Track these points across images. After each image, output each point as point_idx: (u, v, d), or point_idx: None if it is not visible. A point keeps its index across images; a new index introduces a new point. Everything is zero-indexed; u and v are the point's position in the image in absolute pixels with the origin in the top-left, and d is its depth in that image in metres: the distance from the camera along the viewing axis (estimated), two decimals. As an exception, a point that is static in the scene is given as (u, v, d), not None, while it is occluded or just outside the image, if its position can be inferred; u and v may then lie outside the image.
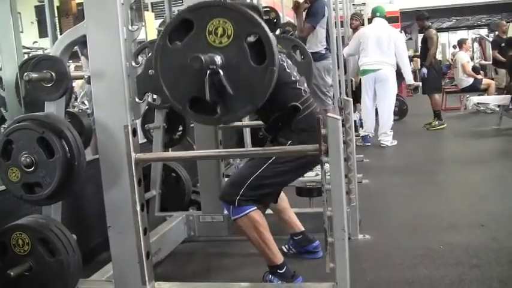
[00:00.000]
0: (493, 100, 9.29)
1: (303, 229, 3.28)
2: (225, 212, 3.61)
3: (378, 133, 7.75)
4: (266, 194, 2.82)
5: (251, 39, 1.94)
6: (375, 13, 7.78)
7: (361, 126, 8.16)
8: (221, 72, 1.92)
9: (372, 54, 7.42)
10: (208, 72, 1.90)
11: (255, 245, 2.81)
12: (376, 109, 7.85)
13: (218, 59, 1.92)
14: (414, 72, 14.36)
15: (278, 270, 2.80)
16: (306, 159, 2.71)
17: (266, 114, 2.81)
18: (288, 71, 2.82)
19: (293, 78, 2.82)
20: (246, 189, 2.71)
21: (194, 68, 1.90)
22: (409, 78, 8.05)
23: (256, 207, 2.76)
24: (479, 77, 10.90)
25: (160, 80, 2.06)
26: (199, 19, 1.95)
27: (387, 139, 7.62)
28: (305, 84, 2.92)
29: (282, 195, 3.22)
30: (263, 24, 1.94)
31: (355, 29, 8.31)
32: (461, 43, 11.65)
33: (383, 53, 7.43)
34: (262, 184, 2.74)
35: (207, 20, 1.94)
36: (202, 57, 1.88)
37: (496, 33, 10.71)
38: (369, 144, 7.67)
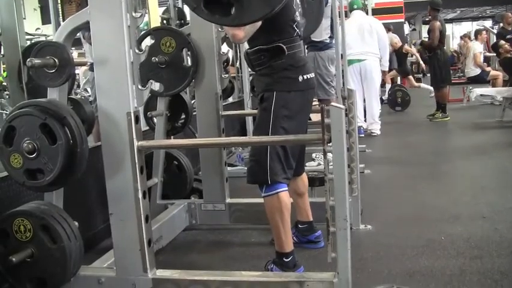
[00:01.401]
0: (496, 92, 9.26)
1: (311, 219, 3.28)
2: (227, 200, 3.63)
3: (367, 122, 7.82)
4: (289, 159, 2.79)
5: None
6: (352, 6, 7.78)
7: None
8: None
9: (356, 45, 7.40)
10: None
11: (274, 226, 2.79)
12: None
13: None
14: (418, 64, 14.38)
15: (284, 258, 2.80)
16: (298, 99, 2.74)
17: (255, 40, 2.77)
18: (294, 8, 2.80)
19: (294, 17, 2.80)
20: (270, 161, 2.71)
21: None
22: (384, 65, 8.12)
23: (286, 188, 2.77)
24: (488, 69, 10.89)
25: None
26: None
27: (376, 127, 7.74)
28: (302, 29, 2.90)
29: (305, 179, 3.22)
30: None
31: None
32: (477, 33, 11.77)
33: (366, 44, 7.52)
34: (280, 149, 2.74)
35: None
36: None
37: (501, 25, 10.65)
38: (362, 135, 7.50)
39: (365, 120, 7.89)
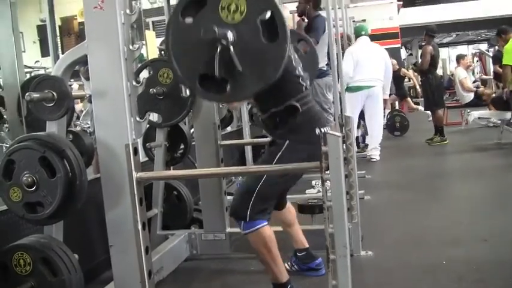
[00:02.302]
0: (494, 115, 9.28)
1: (307, 246, 3.27)
2: (228, 229, 3.62)
3: (368, 148, 7.90)
4: (274, 201, 2.82)
5: (263, 16, 1.94)
6: (360, 31, 7.86)
7: (363, 142, 8.33)
8: (232, 48, 1.92)
9: (366, 71, 7.48)
10: (219, 48, 1.91)
11: (263, 261, 2.79)
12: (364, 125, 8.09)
13: (230, 35, 1.92)
14: (415, 88, 14.44)
15: (283, 289, 2.80)
16: (306, 150, 2.68)
17: (267, 104, 2.78)
18: (294, 64, 2.80)
19: (297, 73, 2.80)
20: (255, 200, 2.69)
21: (207, 40, 1.91)
22: (386, 93, 8.36)
23: (267, 222, 2.75)
24: (479, 89, 10.91)
25: (171, 56, 2.06)
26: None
27: (376, 153, 7.76)
28: (307, 81, 2.91)
29: (291, 208, 3.23)
30: (276, 1, 1.95)
31: None
32: (459, 59, 11.61)
33: (375, 70, 7.59)
34: (270, 191, 2.74)
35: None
36: (216, 29, 1.89)
37: (496, 48, 10.72)
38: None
39: (363, 142, 8.07)
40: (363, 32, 7.80)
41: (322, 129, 2.76)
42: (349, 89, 7.26)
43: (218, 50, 1.92)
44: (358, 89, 7.57)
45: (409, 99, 12.08)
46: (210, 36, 1.91)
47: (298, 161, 2.66)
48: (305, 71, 2.98)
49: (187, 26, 2.02)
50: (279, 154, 2.72)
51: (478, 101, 10.47)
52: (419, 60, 9.38)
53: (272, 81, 1.99)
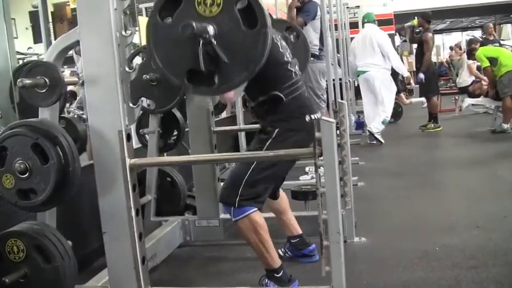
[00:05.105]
0: (487, 102, 9.30)
1: (300, 232, 3.28)
2: (221, 215, 3.62)
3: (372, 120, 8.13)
4: (265, 189, 2.79)
5: (240, 5, 1.95)
6: (363, 20, 8.45)
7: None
8: (214, 41, 1.94)
9: (361, 57, 8.03)
10: (201, 42, 1.92)
11: (254, 247, 2.79)
12: None
13: (211, 29, 1.94)
14: (410, 73, 14.42)
15: (275, 274, 2.80)
16: (296, 138, 2.71)
17: (255, 92, 2.79)
18: (282, 51, 2.80)
19: (285, 59, 2.80)
20: (244, 187, 2.69)
21: (186, 36, 1.92)
22: (402, 72, 8.59)
23: (256, 209, 2.74)
24: (483, 79, 10.96)
25: (155, 58, 2.08)
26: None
27: (376, 126, 7.99)
28: (296, 67, 2.90)
29: (284, 196, 3.23)
30: None
31: None
32: (471, 43, 11.76)
33: (369, 56, 7.94)
34: (259, 178, 2.72)
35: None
36: (194, 24, 1.90)
37: (484, 36, 10.81)
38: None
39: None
40: (365, 20, 8.29)
41: (313, 116, 2.77)
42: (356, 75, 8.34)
43: (200, 44, 1.93)
44: (357, 74, 8.22)
45: (402, 95, 12.06)
46: (189, 32, 1.91)
47: (282, 147, 2.67)
48: (296, 58, 2.98)
49: (167, 26, 2.03)
50: (269, 141, 2.73)
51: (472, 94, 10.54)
52: (415, 49, 9.43)
53: (258, 68, 2.00)
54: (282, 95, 2.72)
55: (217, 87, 2.05)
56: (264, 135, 2.79)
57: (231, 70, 2.00)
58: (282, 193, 3.22)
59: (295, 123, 2.73)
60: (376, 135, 7.89)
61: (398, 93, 12.01)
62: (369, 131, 7.97)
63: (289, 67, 2.80)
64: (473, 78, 11.16)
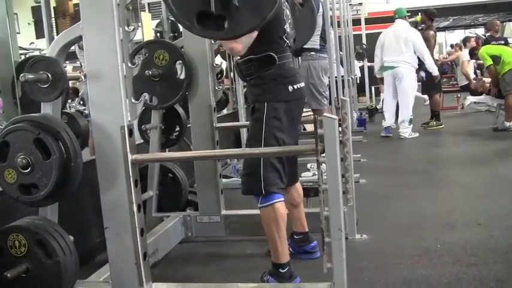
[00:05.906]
0: (489, 100, 9.29)
1: (307, 230, 3.28)
2: (223, 212, 3.63)
3: (398, 125, 8.32)
4: (282, 167, 2.80)
5: None
6: (394, 15, 8.54)
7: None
8: None
9: (391, 53, 8.19)
10: None
11: (270, 237, 2.79)
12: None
13: None
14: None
15: (280, 269, 2.80)
16: (284, 109, 2.75)
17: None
18: (284, 19, 2.82)
19: (283, 28, 2.81)
20: (264, 172, 2.72)
21: None
22: (433, 72, 8.54)
23: (282, 198, 2.77)
24: (471, 78, 10.93)
25: None
26: None
27: (405, 131, 8.18)
28: (291, 40, 2.92)
29: (300, 189, 3.22)
30: None
31: None
32: (465, 41, 11.76)
33: (400, 52, 8.10)
34: (273, 159, 2.75)
35: None
36: None
37: (489, 33, 10.76)
38: (391, 135, 8.41)
39: (396, 122, 8.48)
40: (397, 16, 8.42)
41: (295, 86, 2.81)
42: (381, 69, 8.53)
43: None
44: (384, 69, 8.34)
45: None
46: None
47: (279, 119, 2.75)
48: (301, 25, 2.99)
49: None
50: (264, 118, 2.75)
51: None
52: None
53: (269, 17, 1.99)
54: (276, 57, 2.75)
55: (226, 32, 2.03)
56: (256, 114, 2.81)
57: (241, 15, 1.97)
58: (298, 185, 3.21)
59: (280, 95, 2.77)
60: (409, 137, 8.12)
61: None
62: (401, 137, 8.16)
63: (284, 37, 2.81)
64: (474, 75, 11.12)
